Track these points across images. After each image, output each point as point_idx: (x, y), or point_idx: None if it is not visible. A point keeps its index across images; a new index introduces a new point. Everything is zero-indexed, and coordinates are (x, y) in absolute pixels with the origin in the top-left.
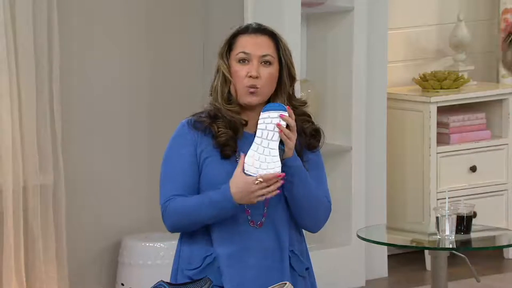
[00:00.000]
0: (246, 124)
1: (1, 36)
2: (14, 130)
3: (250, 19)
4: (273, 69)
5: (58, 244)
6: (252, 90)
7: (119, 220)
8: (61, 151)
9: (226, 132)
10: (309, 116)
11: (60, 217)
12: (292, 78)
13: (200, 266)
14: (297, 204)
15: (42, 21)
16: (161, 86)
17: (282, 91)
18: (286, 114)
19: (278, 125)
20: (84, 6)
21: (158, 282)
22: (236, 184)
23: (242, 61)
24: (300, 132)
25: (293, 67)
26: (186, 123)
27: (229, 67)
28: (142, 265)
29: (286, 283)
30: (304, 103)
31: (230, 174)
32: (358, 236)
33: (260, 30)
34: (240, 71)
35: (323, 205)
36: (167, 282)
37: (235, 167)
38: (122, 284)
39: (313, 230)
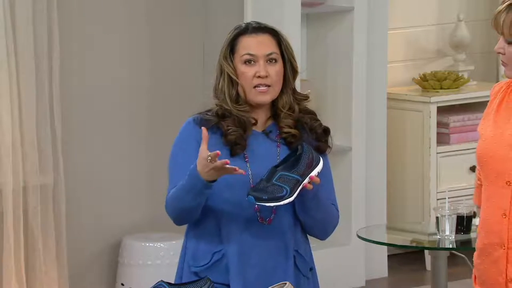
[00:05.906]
0: (256, 123)
1: (1, 36)
2: (14, 130)
3: (250, 19)
4: (279, 67)
5: (58, 244)
6: (263, 89)
7: (119, 220)
8: (61, 151)
9: (236, 130)
10: (315, 114)
11: (60, 217)
12: (295, 72)
13: (208, 262)
14: (308, 220)
15: (42, 21)
16: (161, 86)
17: (287, 87)
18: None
19: (312, 178)
20: (84, 6)
21: (158, 282)
22: (198, 162)
23: (248, 62)
24: (309, 131)
25: (295, 60)
26: (192, 120)
27: (234, 69)
28: (142, 265)
29: (286, 283)
30: (307, 97)
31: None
32: (358, 236)
33: (261, 28)
34: (248, 72)
35: (333, 217)
36: (167, 282)
37: (243, 164)
38: (122, 284)
39: (322, 238)
